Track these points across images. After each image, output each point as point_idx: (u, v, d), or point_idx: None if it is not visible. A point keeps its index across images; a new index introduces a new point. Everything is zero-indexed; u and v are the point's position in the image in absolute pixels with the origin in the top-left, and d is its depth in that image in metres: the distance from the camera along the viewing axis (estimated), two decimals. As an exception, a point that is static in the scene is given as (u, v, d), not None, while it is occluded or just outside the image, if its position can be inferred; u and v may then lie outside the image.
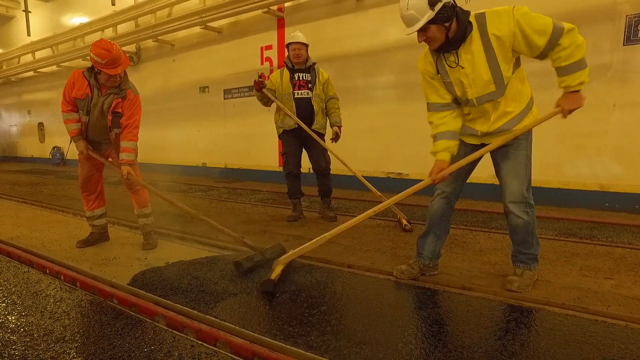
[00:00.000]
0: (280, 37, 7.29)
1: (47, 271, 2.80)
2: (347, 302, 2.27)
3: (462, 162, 2.30)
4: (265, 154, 7.78)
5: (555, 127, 4.87)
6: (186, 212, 3.17)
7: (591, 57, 4.54)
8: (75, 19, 11.66)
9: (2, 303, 2.30)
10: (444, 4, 2.03)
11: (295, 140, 4.25)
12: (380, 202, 2.63)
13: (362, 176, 4.19)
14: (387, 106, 6.28)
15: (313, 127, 4.13)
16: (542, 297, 2.22)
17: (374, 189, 4.12)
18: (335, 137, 4.28)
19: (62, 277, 2.68)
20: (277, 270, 2.50)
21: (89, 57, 2.99)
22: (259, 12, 7.15)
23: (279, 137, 4.38)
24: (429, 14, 2.03)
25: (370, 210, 2.50)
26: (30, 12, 12.52)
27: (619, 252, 3.06)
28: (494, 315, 2.09)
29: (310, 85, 4.15)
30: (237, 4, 7.17)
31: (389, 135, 6.27)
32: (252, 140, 8.04)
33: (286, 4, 7.08)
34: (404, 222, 3.86)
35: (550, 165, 4.98)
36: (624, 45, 4.45)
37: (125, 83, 3.15)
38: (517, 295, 2.26)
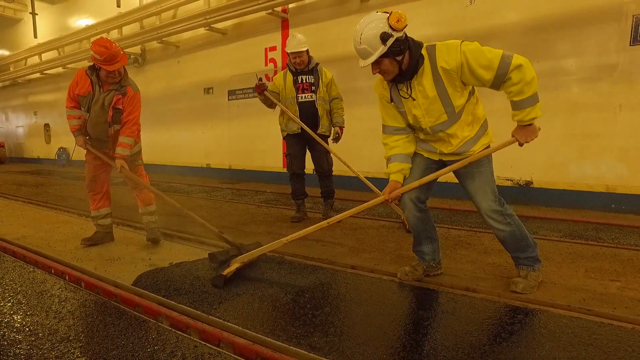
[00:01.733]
0: (284, 38, 7.30)
1: (52, 271, 2.82)
2: (351, 303, 2.26)
3: (415, 183, 2.36)
4: (269, 155, 7.79)
5: (561, 128, 4.84)
6: (172, 205, 3.29)
7: (597, 57, 4.61)
8: (81, 21, 11.77)
9: (8, 302, 2.31)
10: (396, 39, 2.07)
11: (299, 142, 4.25)
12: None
13: (365, 177, 4.18)
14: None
15: (318, 131, 4.12)
16: (547, 299, 2.21)
17: (377, 190, 4.10)
18: (337, 138, 4.27)
19: (67, 277, 2.69)
20: (232, 267, 2.59)
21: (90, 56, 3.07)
22: (263, 13, 7.17)
23: (284, 138, 4.38)
24: (381, 49, 2.08)
25: (318, 224, 2.64)
26: (37, 14, 12.64)
27: (626, 254, 3.03)
28: (498, 317, 2.08)
29: (313, 87, 4.13)
30: (241, 6, 7.20)
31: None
32: (256, 141, 8.06)
33: (290, 5, 7.09)
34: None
35: (556, 166, 4.94)
36: (630, 45, 4.41)
37: (125, 80, 3.23)
38: (522, 297, 2.24)
